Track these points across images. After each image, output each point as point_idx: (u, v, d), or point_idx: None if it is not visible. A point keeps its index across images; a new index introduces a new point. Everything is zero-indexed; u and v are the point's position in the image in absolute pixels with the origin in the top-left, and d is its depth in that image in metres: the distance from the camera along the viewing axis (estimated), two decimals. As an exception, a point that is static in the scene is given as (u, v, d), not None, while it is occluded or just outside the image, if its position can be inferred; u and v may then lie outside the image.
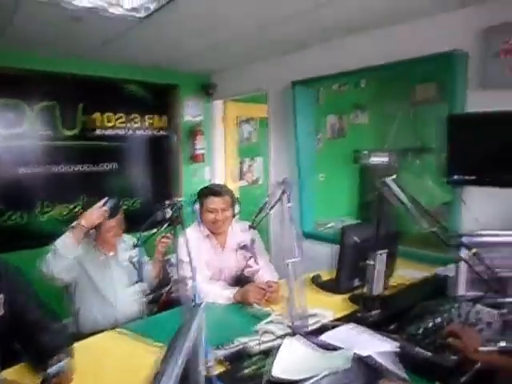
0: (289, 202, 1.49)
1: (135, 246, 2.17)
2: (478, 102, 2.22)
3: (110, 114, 3.64)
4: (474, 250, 1.25)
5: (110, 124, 3.63)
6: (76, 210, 3.40)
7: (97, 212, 1.94)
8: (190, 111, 4.13)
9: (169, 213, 1.44)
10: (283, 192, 1.51)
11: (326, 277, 2.20)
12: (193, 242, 1.85)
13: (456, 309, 1.56)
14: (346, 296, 1.94)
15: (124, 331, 1.66)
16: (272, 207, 1.62)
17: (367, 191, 3.99)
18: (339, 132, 4.32)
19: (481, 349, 1.20)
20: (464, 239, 1.53)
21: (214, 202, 2.17)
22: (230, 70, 3.96)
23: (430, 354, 1.28)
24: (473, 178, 1.97)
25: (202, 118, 4.19)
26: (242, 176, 4.51)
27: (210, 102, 4.22)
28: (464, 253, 1.37)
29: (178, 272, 1.84)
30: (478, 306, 1.53)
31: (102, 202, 1.98)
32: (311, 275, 2.22)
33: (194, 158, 4.13)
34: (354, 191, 4.27)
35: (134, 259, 2.15)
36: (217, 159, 4.29)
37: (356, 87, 4.35)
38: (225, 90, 4.08)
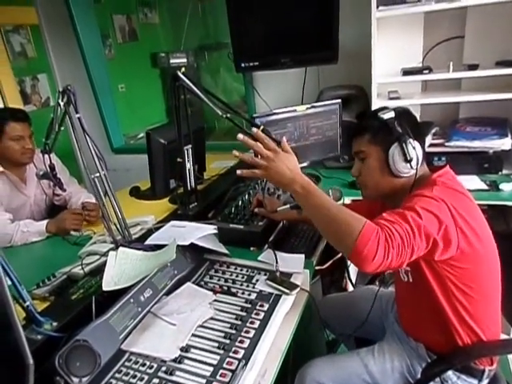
0: (77, 112, 1.32)
1: None
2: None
3: None
4: (261, 127, 1.37)
5: None
6: None
7: None
8: None
9: None
10: (68, 103, 1.32)
11: (146, 187, 2.17)
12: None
13: (259, 184, 1.77)
14: (166, 199, 1.98)
15: None
16: (61, 123, 1.42)
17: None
18: (131, 34, 3.97)
19: (279, 209, 1.42)
20: (256, 120, 1.68)
21: (18, 129, 1.87)
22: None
23: (241, 226, 1.44)
24: (256, 63, 2.11)
25: None
26: (27, 99, 3.81)
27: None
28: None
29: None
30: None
31: None
32: (129, 188, 2.17)
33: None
34: (160, 96, 4.15)
35: None
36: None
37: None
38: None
